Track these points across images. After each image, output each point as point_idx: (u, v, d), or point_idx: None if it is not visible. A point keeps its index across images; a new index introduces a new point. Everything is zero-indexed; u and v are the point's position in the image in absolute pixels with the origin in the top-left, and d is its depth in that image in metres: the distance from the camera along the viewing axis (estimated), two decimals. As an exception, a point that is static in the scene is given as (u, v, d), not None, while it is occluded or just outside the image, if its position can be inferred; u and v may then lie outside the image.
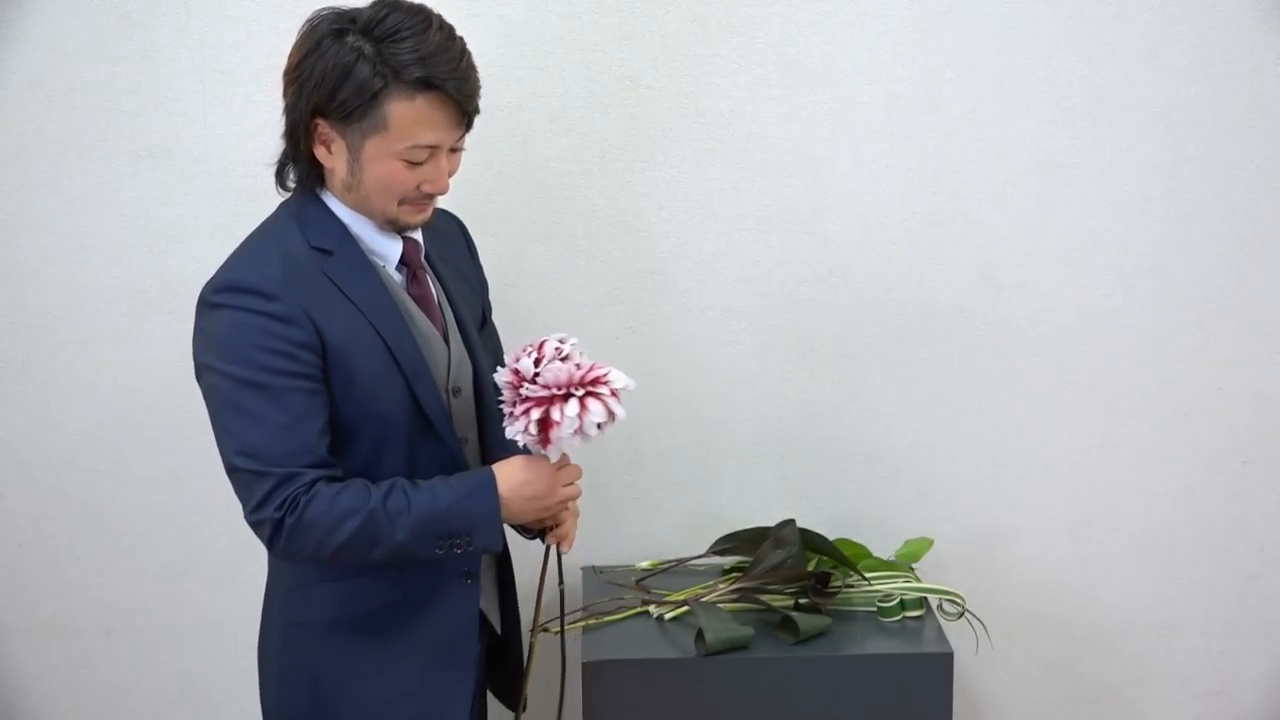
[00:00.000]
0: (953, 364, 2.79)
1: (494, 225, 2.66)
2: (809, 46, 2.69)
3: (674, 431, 2.81)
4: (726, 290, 2.76)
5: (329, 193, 2.10)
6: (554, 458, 2.11)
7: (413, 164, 2.03)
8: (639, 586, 2.64)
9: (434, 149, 2.04)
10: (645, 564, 2.75)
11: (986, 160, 2.72)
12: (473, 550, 2.08)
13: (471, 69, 2.04)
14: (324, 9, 2.05)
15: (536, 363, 2.02)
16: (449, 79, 1.99)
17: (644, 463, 2.80)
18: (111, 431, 2.80)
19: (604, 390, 2.04)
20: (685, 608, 2.55)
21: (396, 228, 2.12)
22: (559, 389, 2.03)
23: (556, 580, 2.27)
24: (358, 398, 2.05)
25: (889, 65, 2.69)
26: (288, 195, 2.15)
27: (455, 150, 2.09)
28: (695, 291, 2.76)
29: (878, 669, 2.41)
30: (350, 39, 1.99)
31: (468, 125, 2.08)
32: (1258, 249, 2.76)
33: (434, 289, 2.19)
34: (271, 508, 1.99)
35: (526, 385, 2.03)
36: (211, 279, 2.05)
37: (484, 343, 2.28)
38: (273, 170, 2.14)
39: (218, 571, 2.84)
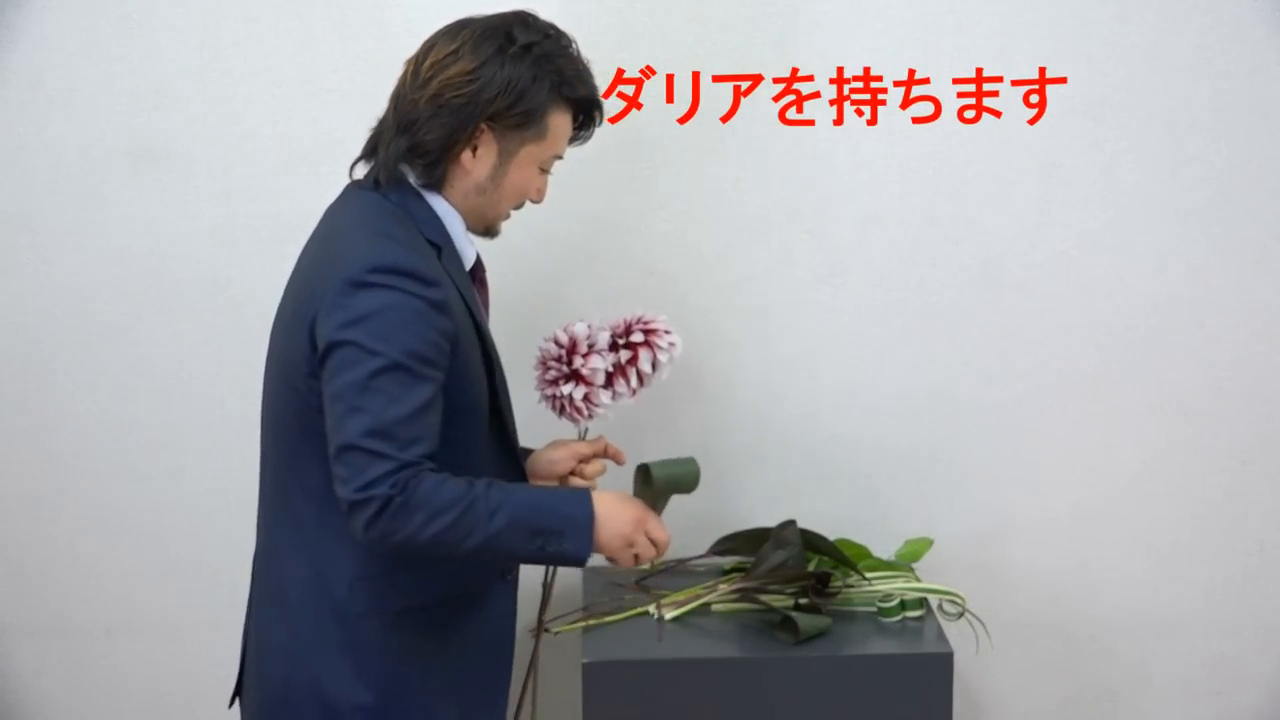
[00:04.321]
0: (953, 364, 2.79)
1: (494, 225, 2.66)
2: (809, 46, 2.68)
3: (673, 432, 2.81)
4: (726, 290, 2.76)
5: (430, 191, 2.14)
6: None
7: (542, 172, 2.17)
8: (639, 586, 2.64)
9: (558, 159, 2.19)
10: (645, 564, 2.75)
11: (986, 160, 2.72)
12: (561, 552, 2.06)
13: None
14: (465, 20, 2.11)
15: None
16: (595, 95, 2.17)
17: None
18: (111, 431, 2.80)
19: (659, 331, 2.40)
20: (685, 608, 2.55)
21: (487, 233, 2.20)
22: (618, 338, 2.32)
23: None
24: (458, 389, 2.07)
25: (889, 66, 2.69)
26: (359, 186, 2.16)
27: None
28: (695, 291, 2.76)
29: (878, 669, 2.41)
30: (516, 52, 2.07)
31: None
32: (1258, 249, 2.75)
33: None
34: (385, 485, 1.96)
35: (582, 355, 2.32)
36: (356, 260, 2.01)
37: None
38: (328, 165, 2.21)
39: (218, 571, 2.84)
